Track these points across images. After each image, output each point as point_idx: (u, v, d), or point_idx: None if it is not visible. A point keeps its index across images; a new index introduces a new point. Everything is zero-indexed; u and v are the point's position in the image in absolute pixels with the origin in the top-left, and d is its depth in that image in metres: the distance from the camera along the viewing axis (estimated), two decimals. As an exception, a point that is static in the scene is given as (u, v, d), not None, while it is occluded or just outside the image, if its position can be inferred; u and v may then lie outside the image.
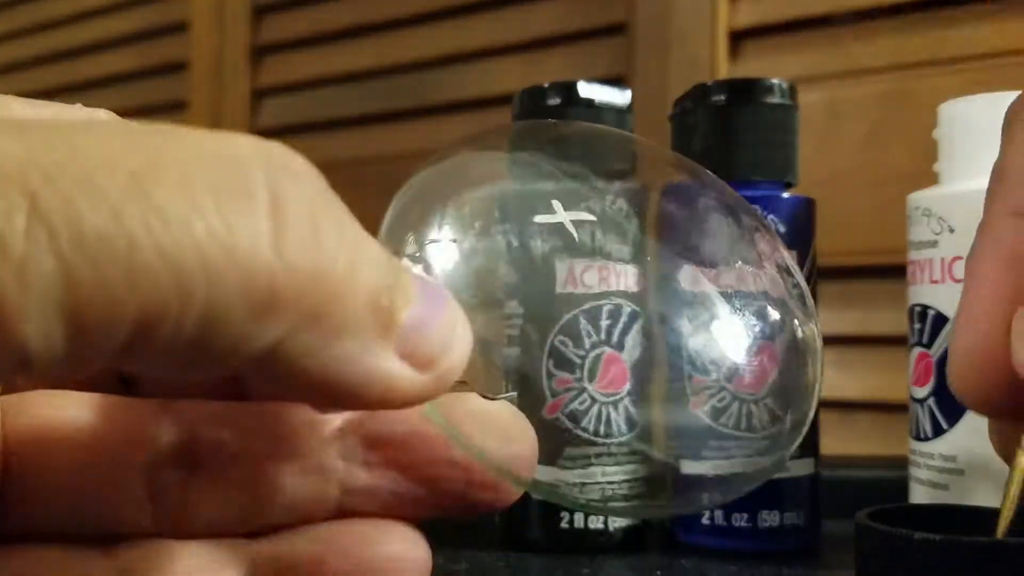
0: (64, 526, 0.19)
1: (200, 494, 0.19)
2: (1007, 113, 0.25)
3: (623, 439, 0.34)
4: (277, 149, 0.15)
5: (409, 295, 0.17)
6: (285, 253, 0.14)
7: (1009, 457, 0.24)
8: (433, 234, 0.21)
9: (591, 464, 0.36)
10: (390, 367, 0.16)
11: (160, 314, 0.13)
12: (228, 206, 0.14)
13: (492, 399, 0.20)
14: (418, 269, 0.18)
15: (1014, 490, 0.24)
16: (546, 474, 0.36)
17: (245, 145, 0.15)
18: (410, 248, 0.20)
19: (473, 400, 0.19)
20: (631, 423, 0.33)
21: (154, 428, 0.19)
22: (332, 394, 0.16)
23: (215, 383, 0.21)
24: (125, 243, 0.13)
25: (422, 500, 0.20)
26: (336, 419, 0.20)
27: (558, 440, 0.33)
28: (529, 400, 0.33)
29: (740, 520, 0.36)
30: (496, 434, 0.19)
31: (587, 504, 0.36)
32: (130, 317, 0.13)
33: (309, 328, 0.15)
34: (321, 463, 0.20)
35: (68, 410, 0.19)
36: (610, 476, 0.36)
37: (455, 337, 0.17)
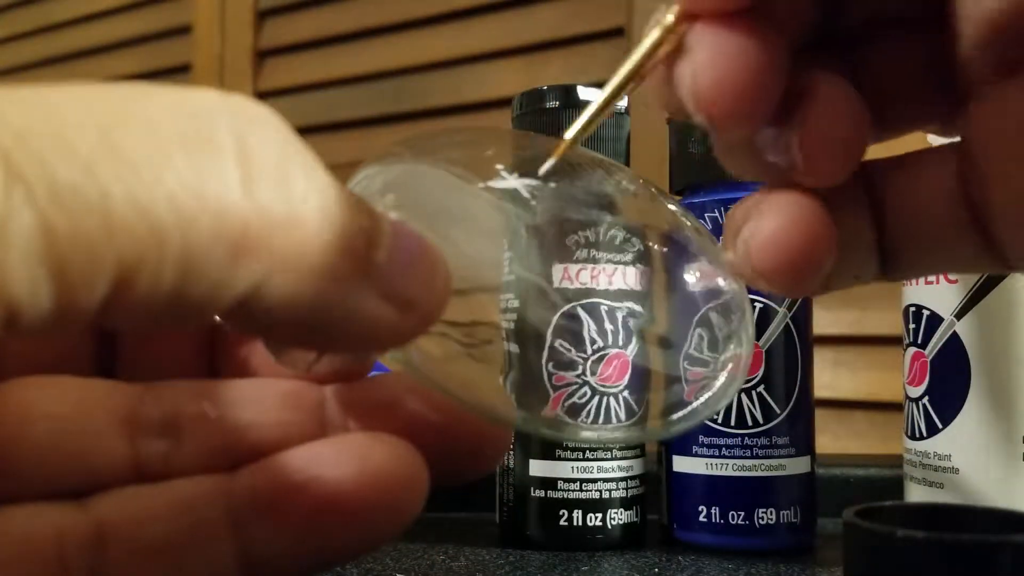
0: (43, 492, 0.19)
1: (184, 458, 0.20)
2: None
3: (619, 432, 0.34)
4: (240, 100, 0.16)
5: (384, 236, 0.16)
6: (256, 197, 0.15)
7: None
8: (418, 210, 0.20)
9: (586, 457, 0.36)
10: (369, 306, 0.16)
11: (138, 262, 0.14)
12: (196, 155, 0.14)
13: (473, 346, 0.20)
14: (395, 215, 0.18)
15: (642, 51, 0.18)
16: (542, 468, 0.37)
17: (208, 97, 0.15)
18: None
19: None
20: (631, 414, 0.33)
21: (136, 404, 0.20)
22: (314, 336, 0.17)
23: (192, 362, 0.21)
24: (98, 195, 0.13)
25: None
26: (317, 388, 0.20)
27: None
28: (529, 399, 0.33)
29: (737, 518, 0.36)
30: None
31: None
32: (110, 268, 0.14)
33: (285, 271, 0.15)
34: (303, 429, 0.20)
35: (50, 390, 0.19)
36: (607, 473, 0.37)
37: (435, 277, 0.17)
